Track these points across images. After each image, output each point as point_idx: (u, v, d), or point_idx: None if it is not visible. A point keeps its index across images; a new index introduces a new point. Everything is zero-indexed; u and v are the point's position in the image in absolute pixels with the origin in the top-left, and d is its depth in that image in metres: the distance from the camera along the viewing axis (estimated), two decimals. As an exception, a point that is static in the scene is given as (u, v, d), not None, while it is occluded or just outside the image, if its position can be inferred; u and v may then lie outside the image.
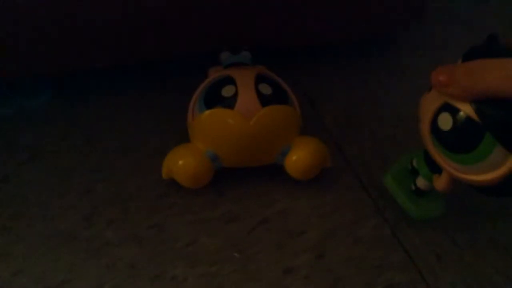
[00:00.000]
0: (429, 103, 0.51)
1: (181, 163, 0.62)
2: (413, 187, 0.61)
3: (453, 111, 0.48)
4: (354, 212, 0.66)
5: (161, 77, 0.82)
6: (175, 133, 0.71)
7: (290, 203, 0.66)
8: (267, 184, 0.67)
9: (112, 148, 0.71)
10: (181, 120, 0.68)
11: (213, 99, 0.60)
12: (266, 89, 0.59)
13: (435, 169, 0.56)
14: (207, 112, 0.59)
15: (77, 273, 0.58)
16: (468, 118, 0.46)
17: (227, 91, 0.58)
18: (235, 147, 0.59)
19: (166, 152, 0.65)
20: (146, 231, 0.62)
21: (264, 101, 0.58)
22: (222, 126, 0.58)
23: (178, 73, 0.80)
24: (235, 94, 0.58)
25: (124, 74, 0.80)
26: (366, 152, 0.73)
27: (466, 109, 0.46)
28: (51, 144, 0.71)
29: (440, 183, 0.55)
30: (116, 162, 0.69)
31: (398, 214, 0.65)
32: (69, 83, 0.79)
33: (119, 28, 0.67)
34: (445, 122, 0.49)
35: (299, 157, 0.62)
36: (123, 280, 0.57)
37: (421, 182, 0.60)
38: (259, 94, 0.58)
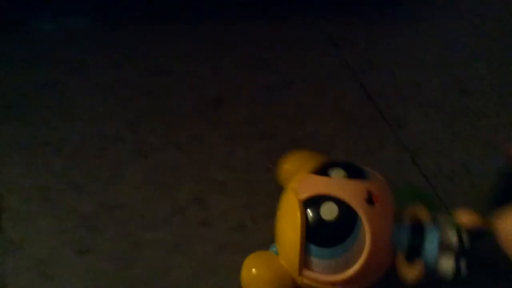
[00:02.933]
0: None
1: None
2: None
3: None
4: (376, 140, 0.72)
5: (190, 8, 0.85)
6: (207, 58, 0.76)
7: (319, 126, 0.72)
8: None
9: (152, 67, 0.75)
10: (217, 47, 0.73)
11: None
12: None
13: None
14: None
15: (124, 170, 0.63)
16: None
17: None
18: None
19: (201, 75, 0.71)
20: (187, 140, 0.67)
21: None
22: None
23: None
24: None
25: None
26: (386, 88, 0.79)
27: None
28: (93, 59, 0.75)
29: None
30: (157, 80, 0.73)
31: (416, 143, 0.71)
32: (110, 8, 0.82)
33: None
34: None
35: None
36: (169, 180, 0.62)
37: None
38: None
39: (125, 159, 0.64)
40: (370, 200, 0.51)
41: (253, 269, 0.53)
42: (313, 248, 0.50)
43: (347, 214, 0.50)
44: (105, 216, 0.58)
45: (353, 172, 0.54)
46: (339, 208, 0.50)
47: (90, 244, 0.55)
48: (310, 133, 0.71)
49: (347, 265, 0.49)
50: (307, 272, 0.50)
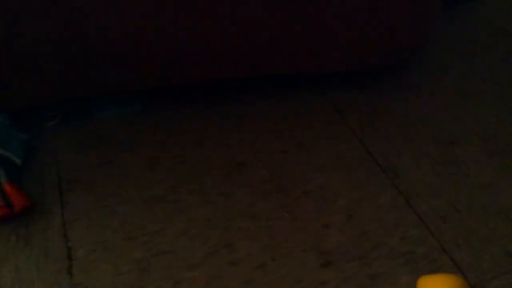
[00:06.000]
0: None
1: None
2: None
3: None
4: (377, 188, 0.85)
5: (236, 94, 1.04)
6: (232, 131, 0.93)
7: (326, 180, 0.86)
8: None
9: (189, 141, 0.92)
10: (240, 122, 0.90)
11: None
12: None
13: None
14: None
15: (168, 224, 0.78)
16: None
17: None
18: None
19: (227, 144, 0.87)
20: (217, 197, 0.82)
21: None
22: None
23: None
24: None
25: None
26: (383, 144, 0.93)
27: None
28: (140, 139, 0.92)
29: None
30: (193, 151, 0.90)
31: (410, 188, 0.84)
32: (156, 97, 1.01)
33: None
34: None
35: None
36: (203, 230, 0.77)
37: None
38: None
39: (169, 215, 0.79)
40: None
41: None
42: None
43: None
44: (153, 261, 0.73)
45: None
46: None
47: (141, 284, 0.70)
48: (318, 186, 0.86)
49: None
50: None
